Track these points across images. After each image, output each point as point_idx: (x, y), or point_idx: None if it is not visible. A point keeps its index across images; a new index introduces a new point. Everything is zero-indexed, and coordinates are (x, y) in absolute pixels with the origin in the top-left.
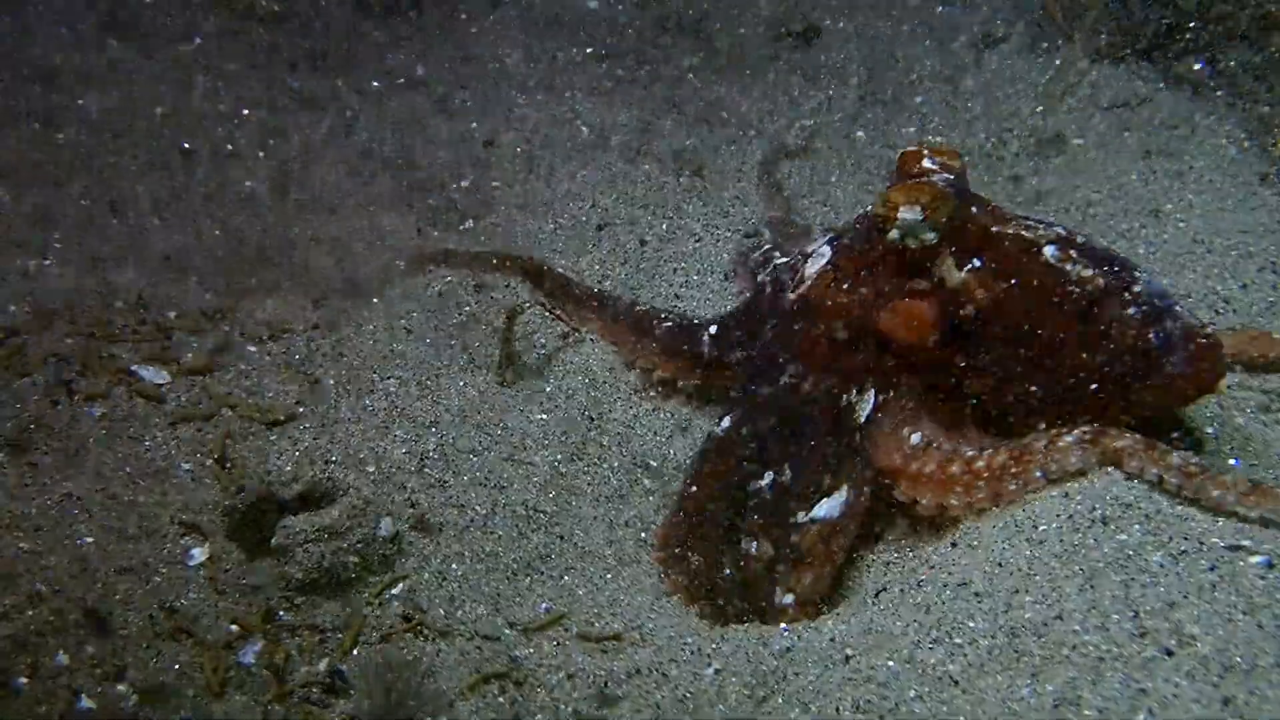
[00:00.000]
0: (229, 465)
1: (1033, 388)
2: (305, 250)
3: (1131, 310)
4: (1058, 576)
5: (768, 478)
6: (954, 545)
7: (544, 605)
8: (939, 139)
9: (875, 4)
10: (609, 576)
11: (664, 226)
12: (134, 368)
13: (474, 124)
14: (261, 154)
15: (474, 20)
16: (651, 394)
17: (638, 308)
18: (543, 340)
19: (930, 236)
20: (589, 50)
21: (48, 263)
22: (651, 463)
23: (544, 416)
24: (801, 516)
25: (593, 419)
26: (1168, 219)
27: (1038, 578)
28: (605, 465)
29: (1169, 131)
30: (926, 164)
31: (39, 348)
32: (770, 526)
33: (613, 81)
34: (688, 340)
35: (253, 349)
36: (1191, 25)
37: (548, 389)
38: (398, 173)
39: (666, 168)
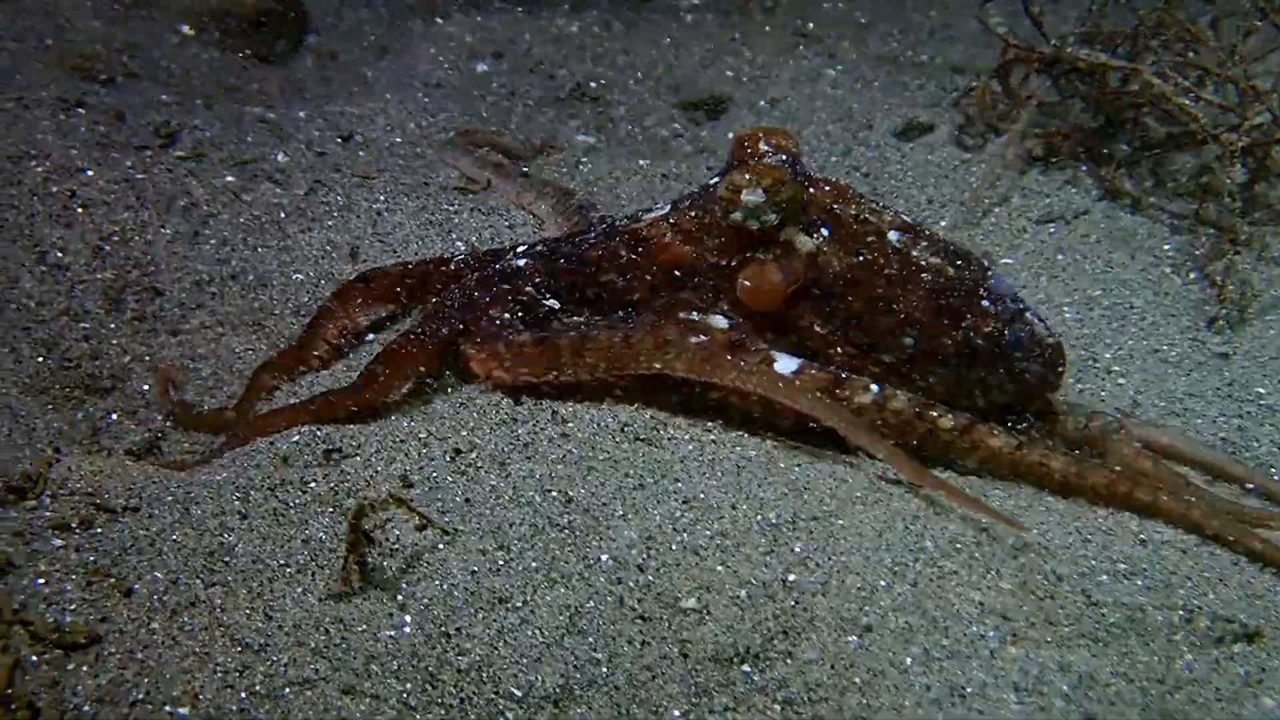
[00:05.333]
0: (14, 706)
1: (888, 359)
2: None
3: (986, 303)
4: None
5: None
6: None
7: None
8: None
9: (793, 77)
10: None
11: None
12: None
13: (334, 233)
14: (95, 259)
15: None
16: None
17: None
18: (398, 537)
19: (771, 218)
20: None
21: None
22: (516, 691)
23: (392, 634)
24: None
25: (449, 636)
26: (1105, 371)
27: None
28: (461, 694)
29: (1107, 255)
30: (763, 146)
31: None
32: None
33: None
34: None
35: (58, 542)
36: (1126, 135)
37: (399, 598)
38: (248, 289)
39: None
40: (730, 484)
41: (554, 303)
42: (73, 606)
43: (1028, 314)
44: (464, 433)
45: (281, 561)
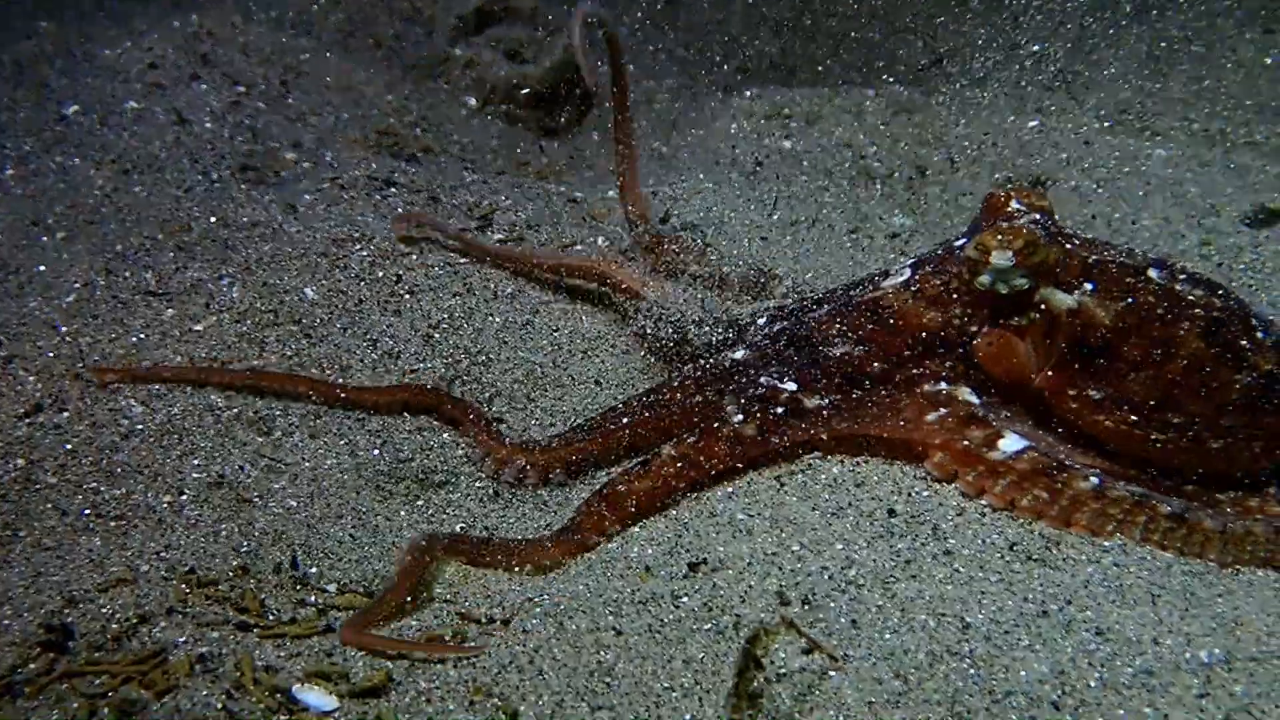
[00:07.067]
0: None
1: (1175, 419)
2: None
3: (1261, 334)
4: None
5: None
6: None
7: None
8: None
9: (1118, 157)
10: None
11: None
12: (296, 691)
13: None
14: (425, 347)
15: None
16: None
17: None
18: (784, 661)
19: (1022, 282)
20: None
21: (184, 497)
22: None
23: None
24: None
25: None
26: None
27: None
28: None
29: None
30: (1014, 205)
31: (179, 642)
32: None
33: None
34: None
35: (434, 657)
36: None
37: None
38: (582, 382)
39: None
40: (1147, 615)
41: (791, 385)
42: None
43: None
44: (839, 547)
45: (665, 684)
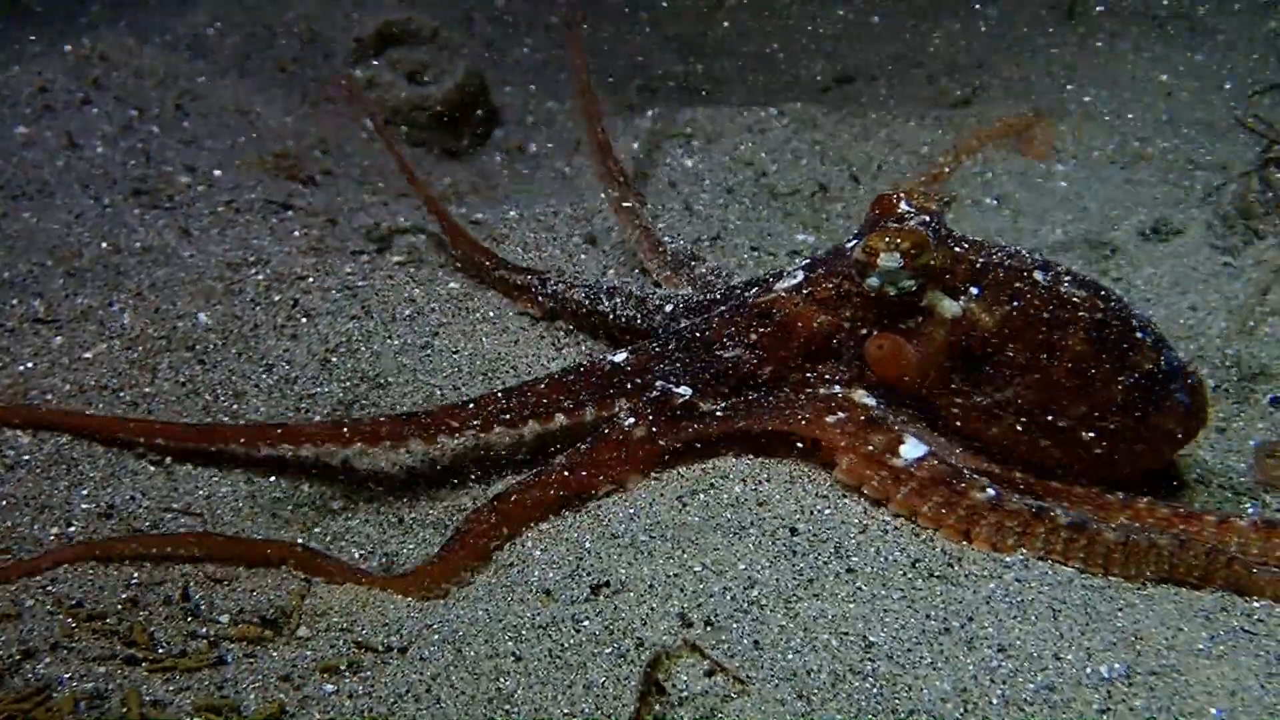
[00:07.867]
0: None
1: (1061, 422)
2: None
3: (1140, 334)
4: None
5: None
6: None
7: None
8: None
9: (1019, 173)
10: None
11: None
12: None
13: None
14: (322, 371)
15: (543, 180)
16: None
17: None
18: (685, 684)
19: (910, 284)
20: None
21: (72, 529)
22: None
23: None
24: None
25: None
26: None
27: None
28: None
29: None
30: (903, 207)
31: (64, 679)
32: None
33: None
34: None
35: (329, 688)
36: None
37: None
38: None
39: None
40: (1048, 630)
41: (685, 390)
42: None
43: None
44: (741, 567)
45: (566, 710)
